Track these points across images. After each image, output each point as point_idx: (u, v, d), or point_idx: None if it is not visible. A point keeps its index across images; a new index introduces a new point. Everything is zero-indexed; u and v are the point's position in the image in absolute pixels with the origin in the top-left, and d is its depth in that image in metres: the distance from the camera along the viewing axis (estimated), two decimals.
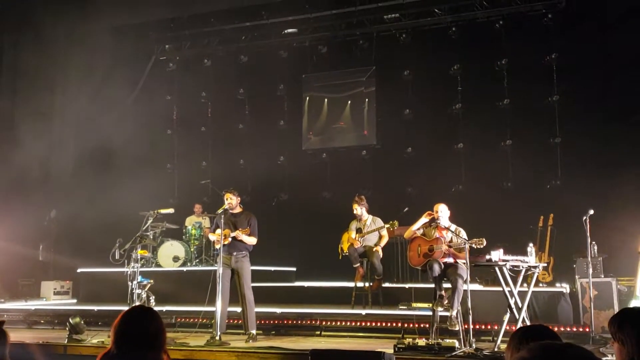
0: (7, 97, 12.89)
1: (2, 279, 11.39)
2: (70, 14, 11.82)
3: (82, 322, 7.51)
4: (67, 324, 7.44)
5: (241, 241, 7.68)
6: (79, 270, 11.29)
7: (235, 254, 7.70)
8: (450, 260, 7.05)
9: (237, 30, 13.28)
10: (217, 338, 7.13)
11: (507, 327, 6.52)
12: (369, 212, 9.17)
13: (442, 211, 7.18)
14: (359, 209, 9.04)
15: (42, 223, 12.48)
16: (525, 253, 6.69)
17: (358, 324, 8.27)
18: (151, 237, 9.42)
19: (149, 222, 8.20)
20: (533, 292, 6.87)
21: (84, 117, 12.52)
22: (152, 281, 7.70)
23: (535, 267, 6.72)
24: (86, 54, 13.03)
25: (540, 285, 8.78)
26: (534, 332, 2.47)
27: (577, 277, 8.25)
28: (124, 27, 12.52)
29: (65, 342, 7.22)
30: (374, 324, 8.18)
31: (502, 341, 6.37)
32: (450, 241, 7.05)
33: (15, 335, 7.63)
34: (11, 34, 12.78)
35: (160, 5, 11.88)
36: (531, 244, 6.92)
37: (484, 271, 8.25)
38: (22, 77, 12.81)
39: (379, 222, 9.05)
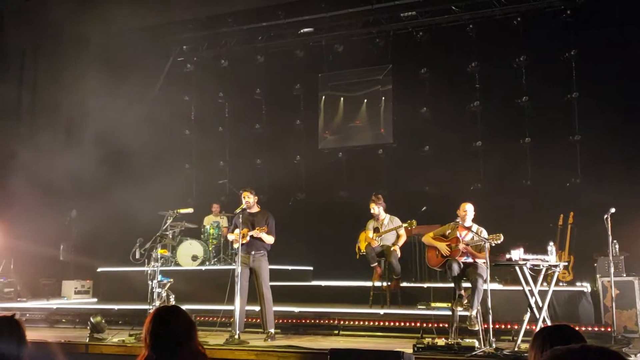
0: (27, 98, 13.05)
1: (24, 278, 11.53)
2: (88, 17, 11.93)
3: (103, 321, 7.57)
4: (88, 322, 7.50)
5: (260, 240, 7.70)
6: (99, 270, 11.39)
7: (253, 253, 7.72)
8: (470, 259, 7.02)
9: (254, 30, 13.32)
10: (236, 337, 7.16)
11: (528, 327, 6.48)
12: (387, 211, 9.14)
13: (469, 211, 7.13)
14: (376, 208, 9.01)
15: (63, 223, 12.61)
16: (545, 252, 6.63)
17: (376, 323, 8.25)
18: (170, 237, 9.48)
19: (169, 221, 8.25)
20: (553, 291, 6.78)
21: (103, 118, 12.63)
22: (171, 280, 7.75)
23: (555, 266, 6.65)
24: (105, 55, 13.15)
25: (561, 284, 8.71)
26: (559, 332, 2.44)
27: (598, 276, 8.16)
28: (142, 28, 12.60)
29: (87, 341, 7.28)
30: (392, 323, 8.15)
31: (522, 341, 6.33)
32: (471, 239, 7.00)
33: (37, 334, 7.74)
34: (31, 37, 12.93)
35: (177, 7, 11.94)
36: (551, 243, 6.85)
37: (503, 270, 8.20)
38: (42, 79, 12.97)
39: (397, 221, 9.01)
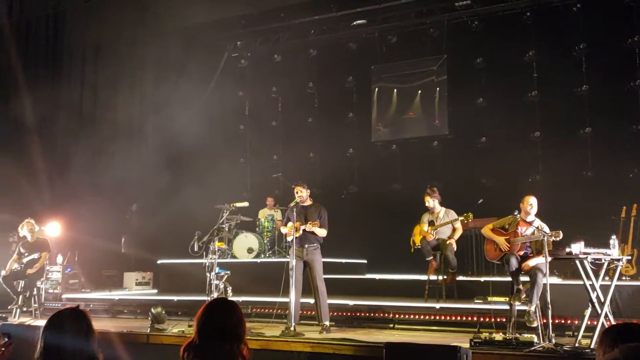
0: (88, 96, 13.51)
1: (87, 270, 11.96)
2: (145, 16, 12.24)
3: (164, 312, 7.76)
4: (149, 313, 7.70)
5: (312, 233, 7.75)
6: (158, 262, 11.70)
7: (306, 246, 7.78)
8: (529, 253, 6.87)
9: (307, 24, 13.39)
10: (292, 329, 7.23)
11: (589, 322, 6.30)
12: (442, 204, 9.02)
13: (533, 204, 6.96)
14: (431, 201, 8.90)
15: (124, 217, 13.01)
16: (607, 245, 6.42)
17: (432, 317, 8.14)
18: (227, 230, 9.63)
19: (225, 215, 8.39)
20: (616, 286, 6.56)
21: (160, 114, 12.95)
22: (229, 272, 7.88)
23: (618, 260, 6.42)
24: (161, 53, 13.46)
25: (624, 278, 8.42)
26: (629, 331, 2.33)
27: None
28: (197, 25, 12.84)
29: (148, 331, 7.46)
30: (448, 317, 8.03)
31: (583, 336, 6.15)
32: (532, 233, 6.84)
33: (100, 325, 8.00)
34: (92, 37, 13.37)
35: (230, 3, 12.10)
36: (614, 236, 6.62)
37: (563, 264, 7.98)
38: (102, 78, 13.39)
39: (453, 214, 8.89)
